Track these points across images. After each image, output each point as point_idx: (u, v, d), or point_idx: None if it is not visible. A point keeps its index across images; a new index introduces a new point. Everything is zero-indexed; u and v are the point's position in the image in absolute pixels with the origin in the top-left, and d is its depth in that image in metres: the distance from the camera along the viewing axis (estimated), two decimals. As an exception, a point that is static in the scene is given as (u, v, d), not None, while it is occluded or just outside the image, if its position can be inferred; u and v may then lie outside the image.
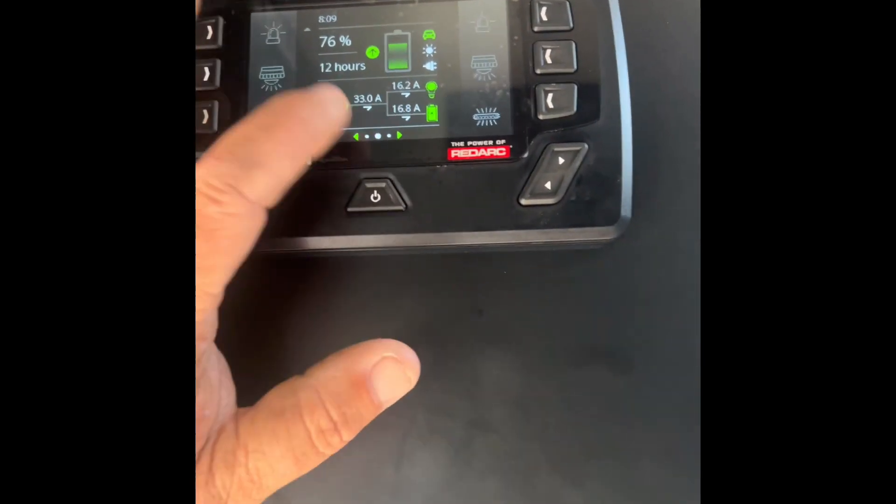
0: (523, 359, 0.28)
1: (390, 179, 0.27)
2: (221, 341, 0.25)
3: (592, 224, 0.27)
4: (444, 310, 0.28)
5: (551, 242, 0.27)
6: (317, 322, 0.28)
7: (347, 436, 0.22)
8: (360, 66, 0.29)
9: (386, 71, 0.29)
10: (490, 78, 0.28)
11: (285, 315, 0.29)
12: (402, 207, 0.27)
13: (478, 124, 0.28)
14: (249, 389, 0.24)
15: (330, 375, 0.22)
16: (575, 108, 0.27)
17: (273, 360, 0.28)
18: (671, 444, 0.27)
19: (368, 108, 0.28)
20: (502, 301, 0.28)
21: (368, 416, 0.22)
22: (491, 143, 0.27)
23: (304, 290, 0.29)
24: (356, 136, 0.28)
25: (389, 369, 0.22)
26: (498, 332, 0.28)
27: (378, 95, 0.28)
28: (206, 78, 0.28)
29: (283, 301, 0.29)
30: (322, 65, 0.29)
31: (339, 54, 0.29)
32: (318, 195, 0.27)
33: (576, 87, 0.27)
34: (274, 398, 0.23)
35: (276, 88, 0.28)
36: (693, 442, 0.27)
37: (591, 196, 0.27)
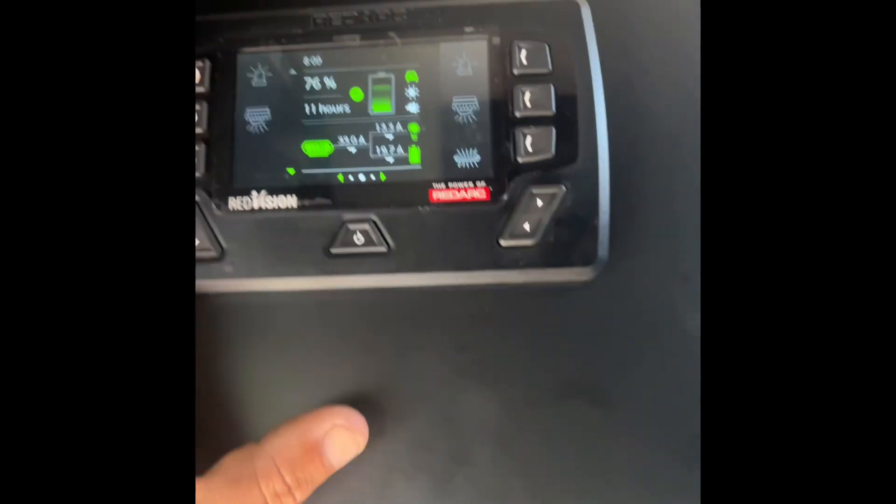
0: (504, 394, 0.29)
1: (373, 221, 0.28)
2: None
3: (570, 265, 0.27)
4: (426, 347, 0.29)
5: (530, 282, 0.28)
6: (297, 358, 0.29)
7: (301, 497, 0.24)
8: (344, 108, 0.29)
9: (370, 113, 0.29)
10: (471, 120, 0.29)
11: (265, 353, 0.29)
12: (384, 249, 0.28)
13: (459, 166, 0.28)
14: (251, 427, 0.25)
15: (284, 443, 0.24)
16: (553, 151, 0.28)
17: (260, 393, 0.29)
18: (650, 473, 0.28)
19: (353, 149, 0.29)
20: (484, 338, 0.29)
21: (320, 478, 0.25)
22: (472, 184, 0.28)
23: (281, 328, 0.29)
24: (340, 178, 0.29)
25: (340, 436, 0.25)
26: (479, 368, 0.29)
27: (362, 137, 0.29)
28: (192, 121, 0.29)
29: (260, 341, 0.29)
30: (307, 106, 0.29)
31: (325, 96, 0.29)
32: (300, 236, 0.28)
33: (554, 130, 0.28)
34: (231, 465, 0.24)
35: (261, 130, 0.29)
36: (672, 470, 0.28)
37: (568, 237, 0.27)
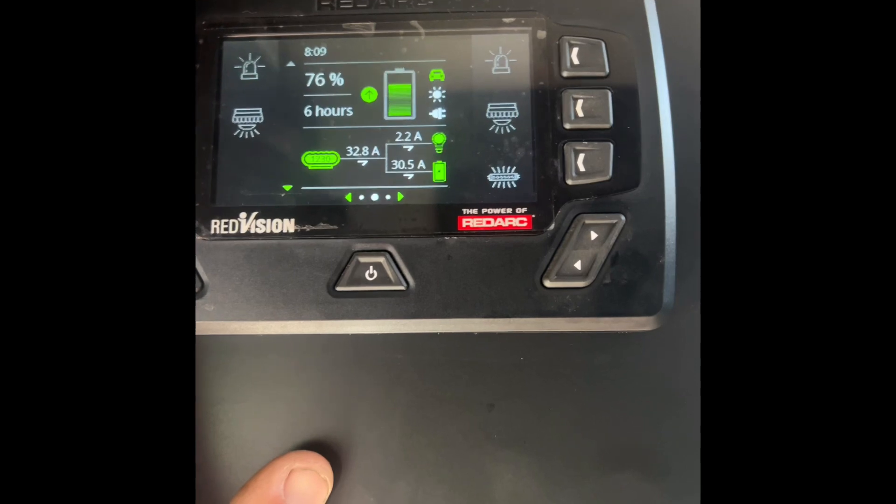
0: (540, 463, 0.24)
1: (389, 252, 0.23)
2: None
3: (629, 313, 0.23)
4: (449, 402, 0.24)
5: (579, 332, 0.23)
6: (293, 412, 0.24)
7: None
8: (354, 112, 0.24)
9: (385, 118, 0.24)
10: (509, 131, 0.24)
11: (255, 403, 0.24)
12: (402, 287, 0.23)
13: (494, 187, 0.23)
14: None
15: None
16: (610, 173, 0.23)
17: (253, 449, 0.24)
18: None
19: (364, 162, 0.24)
20: (517, 392, 0.24)
21: None
22: (510, 210, 0.23)
23: (274, 376, 0.24)
24: (348, 197, 0.23)
25: (300, 479, 0.23)
26: (511, 429, 0.24)
27: (375, 147, 0.24)
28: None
29: (250, 387, 0.24)
30: (308, 108, 0.24)
31: (330, 96, 0.24)
32: (298, 270, 0.23)
33: (612, 147, 0.23)
34: None
35: (252, 135, 0.24)
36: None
37: (628, 279, 0.23)
